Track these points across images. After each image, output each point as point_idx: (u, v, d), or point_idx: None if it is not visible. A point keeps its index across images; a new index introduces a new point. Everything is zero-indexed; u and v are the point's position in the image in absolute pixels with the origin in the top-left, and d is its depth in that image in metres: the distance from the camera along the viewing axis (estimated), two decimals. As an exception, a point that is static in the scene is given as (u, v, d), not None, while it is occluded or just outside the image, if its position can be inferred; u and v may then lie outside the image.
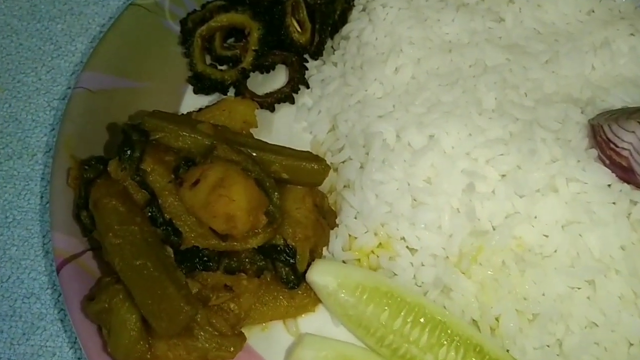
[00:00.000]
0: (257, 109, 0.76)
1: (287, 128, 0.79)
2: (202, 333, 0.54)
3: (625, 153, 0.60)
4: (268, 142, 0.73)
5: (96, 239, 0.61)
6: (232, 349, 0.55)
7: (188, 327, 0.54)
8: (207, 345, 0.54)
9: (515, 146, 0.64)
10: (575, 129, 0.66)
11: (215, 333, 0.55)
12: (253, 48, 0.79)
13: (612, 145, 0.61)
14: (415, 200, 0.65)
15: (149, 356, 0.53)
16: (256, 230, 0.59)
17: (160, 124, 0.64)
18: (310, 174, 0.66)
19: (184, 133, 0.63)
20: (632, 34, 0.76)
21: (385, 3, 0.79)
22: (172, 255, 0.57)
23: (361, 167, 0.70)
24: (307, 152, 0.69)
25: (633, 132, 0.59)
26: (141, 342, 0.53)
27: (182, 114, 0.76)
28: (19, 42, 0.88)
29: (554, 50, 0.75)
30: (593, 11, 0.80)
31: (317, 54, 0.84)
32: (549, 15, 0.80)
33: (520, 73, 0.73)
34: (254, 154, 0.63)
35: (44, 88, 0.84)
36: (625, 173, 0.61)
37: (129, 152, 0.61)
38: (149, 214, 0.59)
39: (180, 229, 0.59)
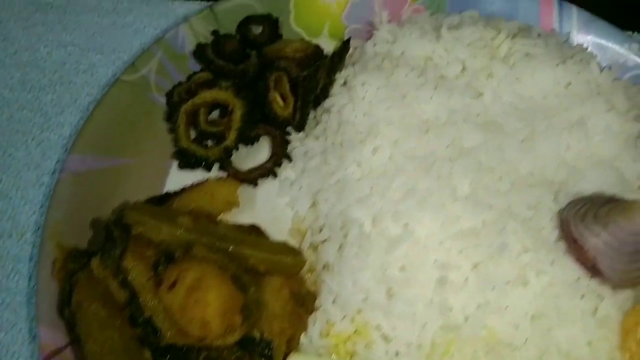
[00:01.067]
0: (240, 187, 0.79)
1: (270, 203, 0.81)
2: None
3: (590, 255, 0.61)
4: (251, 219, 0.77)
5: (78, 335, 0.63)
6: None
7: None
8: None
9: (487, 239, 0.66)
10: (547, 217, 0.68)
11: None
12: (236, 127, 0.81)
13: (578, 245, 0.62)
14: (389, 289, 0.67)
15: None
16: (232, 329, 0.61)
17: (142, 218, 0.66)
18: (286, 267, 0.68)
19: (164, 228, 0.65)
20: (608, 110, 0.78)
21: (365, 81, 0.81)
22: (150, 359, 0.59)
23: (340, 248, 0.72)
24: (284, 244, 0.71)
25: (598, 234, 0.61)
26: None
27: (162, 196, 0.78)
28: (9, 113, 0.90)
29: (530, 127, 0.77)
30: (570, 84, 0.82)
31: (300, 127, 0.85)
32: (527, 89, 0.81)
33: (496, 154, 0.74)
34: (232, 248, 0.65)
35: (33, 163, 0.86)
36: (591, 270, 0.62)
37: (110, 249, 0.63)
38: (129, 312, 0.61)
39: (159, 326, 0.61)
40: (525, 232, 0.66)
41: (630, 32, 1.04)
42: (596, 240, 0.60)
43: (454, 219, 0.68)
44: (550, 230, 0.67)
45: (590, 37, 0.93)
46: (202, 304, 0.58)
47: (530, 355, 0.62)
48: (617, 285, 0.63)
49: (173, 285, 0.60)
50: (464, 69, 0.83)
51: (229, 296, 0.61)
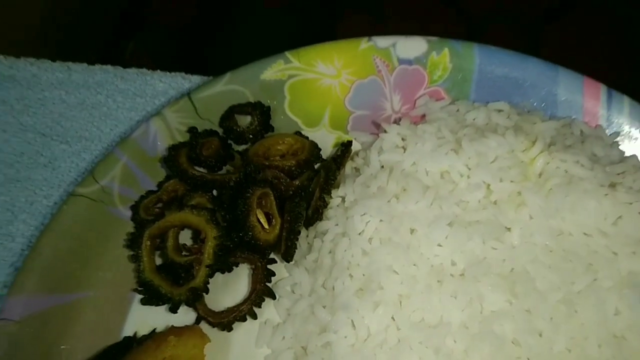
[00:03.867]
0: (209, 342, 0.65)
1: (246, 354, 0.68)
2: None
3: None
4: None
5: None
6: None
7: None
8: None
9: None
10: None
11: None
12: (207, 263, 0.67)
13: None
14: None
15: None
16: None
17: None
18: None
19: None
20: (670, 260, 0.63)
21: (365, 211, 0.66)
22: None
23: None
24: None
25: None
26: None
27: (124, 346, 0.65)
28: (-42, 219, 0.78)
29: (569, 283, 0.61)
30: (620, 218, 0.66)
31: (287, 256, 0.71)
32: (566, 225, 0.65)
33: (524, 322, 0.59)
34: None
35: (-24, 287, 0.74)
36: None
37: None
38: None
39: None
40: None
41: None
42: None
43: None
44: None
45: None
46: None
47: None
48: None
49: None
50: (488, 192, 0.68)
51: None
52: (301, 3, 1.82)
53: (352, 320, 0.62)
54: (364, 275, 0.64)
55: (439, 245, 0.64)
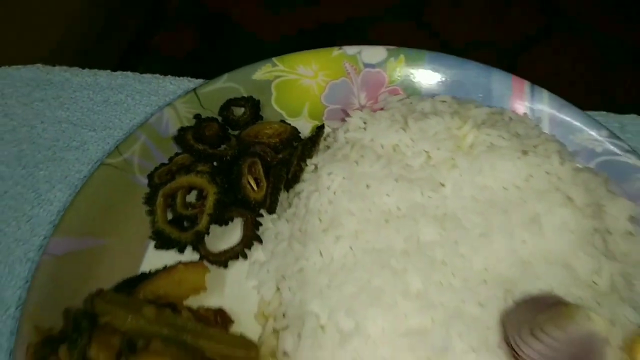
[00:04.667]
0: (208, 272, 0.83)
1: (238, 285, 0.85)
2: None
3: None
4: (219, 301, 0.81)
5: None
6: None
7: None
8: None
9: (434, 337, 0.69)
10: (495, 317, 0.70)
11: None
12: (208, 212, 0.86)
13: (514, 353, 0.65)
14: (341, 385, 0.70)
15: None
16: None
17: (109, 308, 0.71)
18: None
19: (130, 318, 0.70)
20: (565, 206, 0.81)
21: (331, 171, 0.85)
22: None
23: (298, 337, 0.76)
24: (240, 337, 0.74)
25: (533, 346, 0.63)
26: None
27: (139, 280, 0.81)
28: (4, 189, 0.97)
29: (488, 222, 0.80)
30: (531, 176, 0.85)
31: (271, 210, 0.90)
32: (487, 181, 0.84)
33: (452, 249, 0.77)
34: (190, 341, 0.69)
35: (22, 239, 0.91)
36: (530, 377, 0.65)
37: (77, 339, 0.68)
38: (90, 402, 0.65)
39: (116, 417, 0.65)
40: (472, 332, 0.69)
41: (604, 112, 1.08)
42: (530, 351, 0.63)
43: (403, 317, 0.71)
44: (494, 332, 0.69)
45: (561, 122, 0.97)
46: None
47: None
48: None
49: (129, 377, 0.64)
50: (428, 159, 0.87)
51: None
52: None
53: (319, 250, 0.80)
54: (329, 217, 0.82)
55: (387, 195, 0.82)
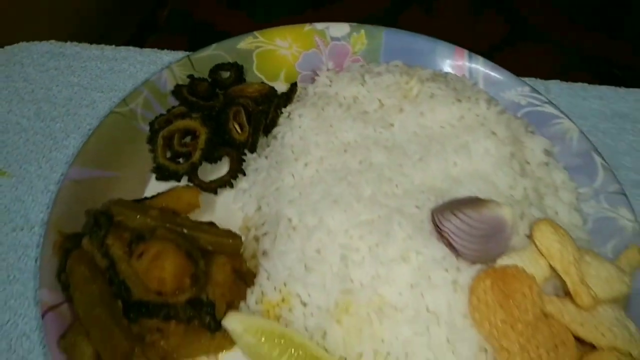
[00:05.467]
0: (201, 194, 1.01)
1: (226, 207, 1.03)
2: (137, 362, 0.77)
3: (445, 235, 0.82)
4: (210, 219, 0.98)
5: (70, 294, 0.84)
6: (160, 374, 0.77)
7: (129, 358, 0.76)
8: (140, 371, 0.77)
9: (380, 228, 0.87)
10: (428, 214, 0.89)
11: (149, 363, 0.77)
12: (200, 147, 1.04)
13: (438, 230, 0.84)
14: (307, 266, 0.88)
15: (100, 380, 0.76)
16: (183, 290, 0.82)
17: (122, 209, 0.88)
18: (228, 247, 0.89)
19: (138, 217, 0.87)
20: (488, 137, 1.00)
21: (302, 113, 1.05)
22: (121, 307, 0.80)
23: (274, 237, 0.94)
24: (228, 230, 0.92)
25: (451, 221, 0.82)
26: (94, 370, 0.76)
27: (141, 199, 0.99)
28: (26, 137, 1.14)
29: (426, 150, 0.99)
30: (463, 117, 1.04)
31: (252, 149, 1.08)
32: (428, 121, 1.04)
33: (397, 169, 0.96)
34: (187, 232, 0.87)
35: (43, 175, 1.09)
36: (451, 248, 0.83)
37: (97, 231, 0.85)
38: (108, 275, 0.82)
39: (130, 286, 0.82)
40: (409, 224, 0.87)
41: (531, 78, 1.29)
42: (450, 225, 0.82)
43: (356, 214, 0.89)
44: (427, 223, 0.88)
45: (493, 82, 1.18)
46: (160, 268, 0.79)
47: (408, 314, 0.82)
48: (472, 260, 0.83)
49: (140, 256, 0.82)
50: (381, 105, 1.07)
51: (181, 265, 0.82)
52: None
53: (292, 174, 0.98)
54: (299, 149, 1.01)
55: (347, 131, 1.01)
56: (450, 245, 0.83)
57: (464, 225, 0.82)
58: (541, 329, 0.77)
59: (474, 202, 0.86)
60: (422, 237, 0.86)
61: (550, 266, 0.82)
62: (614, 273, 0.80)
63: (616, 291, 0.80)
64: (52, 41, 1.31)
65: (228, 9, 2.54)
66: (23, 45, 1.30)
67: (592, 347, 0.79)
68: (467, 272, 0.83)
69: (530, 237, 0.87)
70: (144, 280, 0.81)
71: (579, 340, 0.79)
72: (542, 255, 0.82)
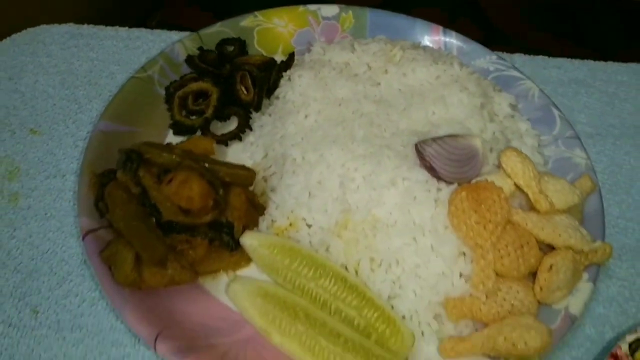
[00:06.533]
0: (215, 144, 1.15)
1: (236, 157, 1.17)
2: (171, 265, 0.90)
3: (427, 159, 0.98)
4: (222, 164, 1.13)
5: (107, 219, 0.97)
6: (189, 275, 0.91)
7: (162, 262, 0.90)
8: (174, 272, 0.90)
9: (372, 160, 1.02)
10: (412, 150, 1.05)
11: (179, 267, 0.91)
12: (213, 104, 1.19)
13: (421, 157, 0.99)
14: (310, 194, 1.03)
15: (138, 280, 0.89)
16: (206, 211, 0.96)
17: (149, 148, 1.02)
18: (242, 177, 1.04)
19: (164, 154, 1.01)
20: (461, 91, 1.17)
21: (301, 74, 1.20)
22: (155, 223, 0.94)
23: (281, 177, 1.08)
24: (242, 165, 1.07)
25: (432, 146, 0.98)
26: (134, 271, 0.89)
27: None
28: (53, 103, 1.28)
29: (409, 102, 1.15)
30: (439, 76, 1.21)
31: (257, 108, 1.23)
32: (409, 80, 1.20)
33: (384, 117, 1.12)
34: (207, 165, 1.01)
35: (70, 133, 1.22)
36: (432, 171, 0.99)
37: (130, 164, 0.99)
38: (142, 200, 0.96)
39: (160, 209, 0.96)
40: (397, 156, 1.03)
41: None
42: (431, 149, 0.98)
43: (352, 151, 1.04)
44: (412, 156, 1.03)
45: (465, 52, 1.35)
46: (189, 188, 0.93)
47: (398, 228, 0.97)
48: (450, 181, 0.99)
49: (170, 182, 0.95)
50: (369, 68, 1.23)
51: (205, 190, 0.96)
52: None
53: (294, 123, 1.13)
54: (300, 103, 1.16)
55: (340, 88, 1.17)
56: (431, 169, 0.99)
57: (442, 150, 0.98)
58: (509, 231, 0.92)
59: (450, 135, 1.02)
60: (408, 166, 1.02)
61: (515, 185, 0.98)
62: (567, 187, 0.97)
63: (570, 201, 0.96)
64: (71, 24, 1.45)
65: None
66: (44, 27, 1.44)
67: (552, 248, 0.95)
68: (446, 191, 0.99)
69: (498, 166, 1.03)
70: (174, 201, 0.94)
71: (540, 244, 0.95)
72: (508, 176, 0.98)
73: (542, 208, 0.93)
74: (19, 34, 1.42)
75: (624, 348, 0.82)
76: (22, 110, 1.26)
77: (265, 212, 1.07)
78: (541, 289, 0.91)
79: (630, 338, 0.83)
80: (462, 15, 2.69)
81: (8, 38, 1.41)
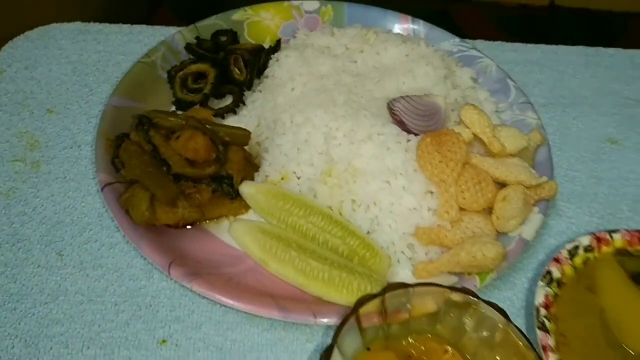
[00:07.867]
0: (213, 115, 1.31)
1: (231, 127, 1.34)
2: (181, 204, 1.05)
3: (397, 114, 1.15)
4: (220, 133, 1.28)
5: (122, 175, 1.12)
6: (197, 213, 1.06)
7: (174, 201, 1.05)
8: (184, 211, 1.05)
9: (351, 119, 1.19)
10: (385, 112, 1.22)
11: (188, 206, 1.06)
12: (210, 82, 1.35)
13: (392, 113, 1.16)
14: (299, 150, 1.19)
15: (153, 219, 1.04)
16: (209, 165, 1.11)
17: (158, 114, 1.18)
18: (239, 137, 1.19)
19: (171, 118, 1.17)
20: (427, 65, 1.34)
21: (287, 54, 1.37)
22: (166, 171, 1.09)
23: (273, 139, 1.24)
24: (239, 126, 1.23)
25: (400, 102, 1.15)
26: (149, 210, 1.03)
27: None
28: (66, 87, 1.43)
29: (382, 76, 1.32)
30: (408, 54, 1.39)
31: (250, 87, 1.40)
32: (382, 58, 1.38)
33: (361, 87, 1.29)
34: (209, 126, 1.17)
35: (83, 112, 1.37)
36: (402, 125, 1.16)
37: (142, 126, 1.14)
38: (153, 155, 1.11)
39: (169, 162, 1.11)
40: (372, 116, 1.19)
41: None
42: (400, 105, 1.14)
43: (334, 112, 1.21)
44: (385, 115, 1.20)
45: (432, 38, 1.53)
46: (195, 142, 1.09)
47: (374, 174, 1.13)
48: (417, 133, 1.15)
49: (177, 138, 1.11)
50: (346, 49, 1.40)
51: (208, 145, 1.11)
52: None
53: (282, 95, 1.30)
54: (286, 78, 1.33)
55: (322, 65, 1.34)
56: (401, 122, 1.15)
57: (410, 106, 1.15)
58: (468, 170, 1.09)
59: (417, 95, 1.19)
60: (382, 122, 1.18)
61: (474, 135, 1.14)
62: (517, 133, 1.14)
63: (520, 145, 1.13)
64: (78, 22, 1.61)
65: None
66: (54, 25, 1.60)
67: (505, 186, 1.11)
68: (414, 141, 1.15)
69: (459, 122, 1.20)
70: (182, 153, 1.10)
71: (495, 183, 1.11)
72: (467, 127, 1.14)
73: (496, 149, 1.10)
74: (31, 31, 1.58)
75: (564, 253, 0.97)
76: (39, 94, 1.41)
77: (259, 169, 1.22)
78: (497, 217, 1.07)
79: (570, 246, 0.98)
80: (434, 24, 2.89)
81: (22, 35, 1.57)
